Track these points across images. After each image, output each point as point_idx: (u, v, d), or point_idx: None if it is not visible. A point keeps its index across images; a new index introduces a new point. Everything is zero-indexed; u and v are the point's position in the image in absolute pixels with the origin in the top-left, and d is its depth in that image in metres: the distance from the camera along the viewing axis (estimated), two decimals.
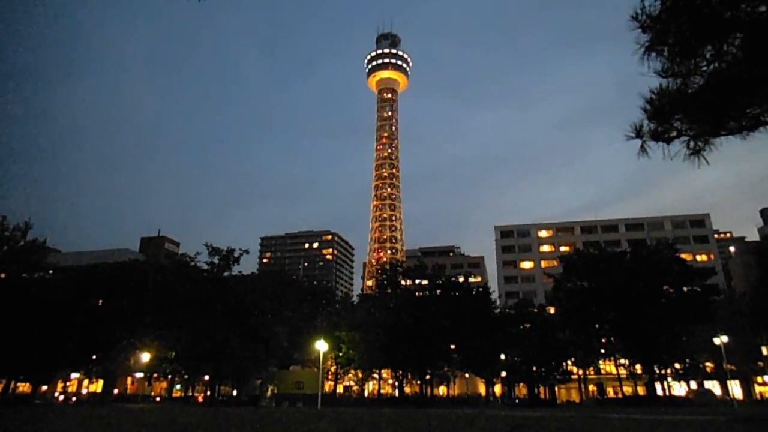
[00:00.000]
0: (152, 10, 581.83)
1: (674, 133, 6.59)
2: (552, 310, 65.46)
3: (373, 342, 56.76)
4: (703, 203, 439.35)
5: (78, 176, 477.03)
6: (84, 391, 73.42)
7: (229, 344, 48.62)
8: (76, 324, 47.25)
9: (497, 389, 76.54)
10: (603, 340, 59.69)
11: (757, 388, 70.19)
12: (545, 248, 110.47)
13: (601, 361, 67.46)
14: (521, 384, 71.67)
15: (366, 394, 77.19)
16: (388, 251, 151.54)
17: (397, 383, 69.29)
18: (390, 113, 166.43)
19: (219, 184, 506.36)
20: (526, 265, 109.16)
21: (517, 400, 64.00)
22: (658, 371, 55.52)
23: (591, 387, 74.23)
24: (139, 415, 25.03)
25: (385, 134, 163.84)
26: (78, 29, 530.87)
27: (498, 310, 67.18)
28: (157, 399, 68.34)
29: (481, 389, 78.39)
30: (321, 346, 45.08)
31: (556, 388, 70.10)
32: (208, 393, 63.68)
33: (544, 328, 60.17)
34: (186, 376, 66.29)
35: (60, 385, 74.21)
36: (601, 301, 51.75)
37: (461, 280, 64.09)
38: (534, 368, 61.98)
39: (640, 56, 6.23)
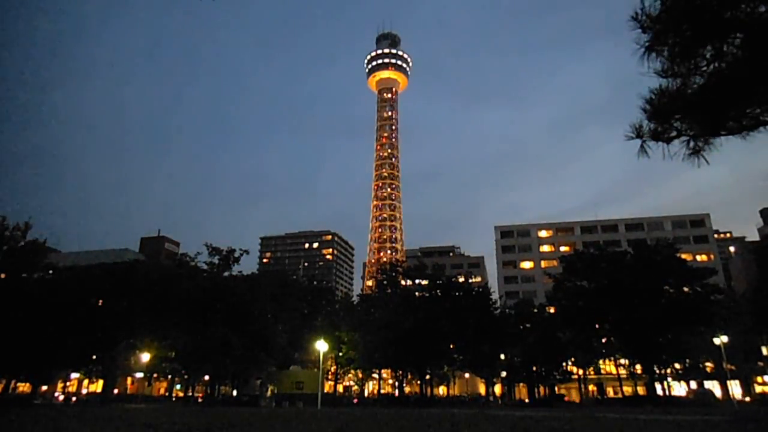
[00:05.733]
0: (153, 10, 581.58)
1: (674, 133, 6.58)
2: (552, 310, 65.40)
3: (373, 342, 56.71)
4: (703, 203, 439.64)
5: (78, 176, 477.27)
6: (84, 391, 73.28)
7: (229, 344, 48.58)
8: (76, 324, 47.21)
9: (497, 389, 76.50)
10: (603, 340, 59.65)
11: (757, 388, 70.15)
12: (545, 248, 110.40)
13: (601, 361, 67.40)
14: (521, 384, 71.63)
15: (366, 394, 77.13)
16: (388, 251, 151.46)
17: (397, 383, 69.24)
18: (390, 113, 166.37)
19: (219, 185, 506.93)
20: (526, 265, 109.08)
21: (519, 401, 64.06)
22: (658, 371, 55.47)
23: (591, 387, 74.19)
24: (139, 415, 25.01)
25: (385, 134, 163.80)
26: (81, 27, 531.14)
27: (498, 310, 67.13)
28: (157, 399, 68.29)
29: (481, 389, 78.34)
30: (321, 346, 45.08)
31: (556, 388, 70.06)
32: (208, 393, 63.65)
33: (544, 328, 60.07)
34: (186, 376, 66.22)
35: (60, 385, 74.10)
36: (601, 301, 51.68)
37: (461, 280, 64.02)
38: (534, 368, 61.93)
39: (640, 56, 6.23)
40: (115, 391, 67.97)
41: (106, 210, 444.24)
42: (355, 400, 65.90)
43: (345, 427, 16.69)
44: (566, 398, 66.37)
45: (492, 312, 63.31)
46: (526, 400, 65.95)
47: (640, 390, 63.72)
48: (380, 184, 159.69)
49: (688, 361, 60.21)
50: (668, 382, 61.83)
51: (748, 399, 62.87)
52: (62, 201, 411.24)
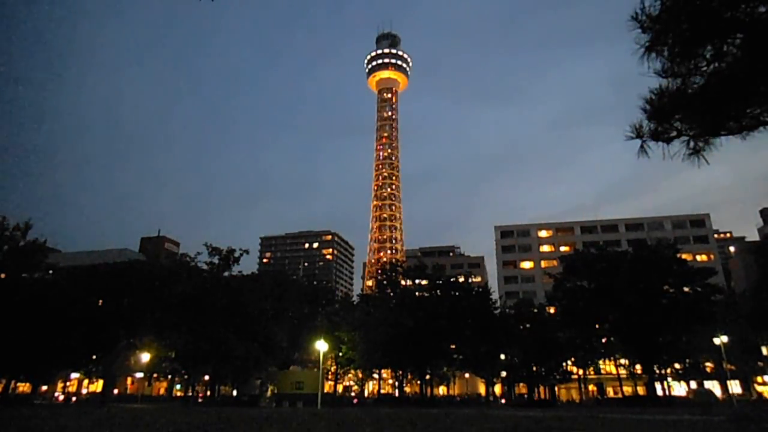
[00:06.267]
0: (153, 9, 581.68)
1: (674, 133, 6.57)
2: (552, 310, 65.38)
3: (373, 342, 56.69)
4: (703, 203, 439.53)
5: (78, 176, 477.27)
6: (84, 391, 73.31)
7: (229, 344, 48.61)
8: (75, 324, 47.24)
9: (497, 389, 76.49)
10: (603, 340, 59.65)
11: (757, 388, 70.16)
12: (545, 248, 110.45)
13: (601, 361, 67.42)
14: (521, 384, 71.64)
15: (366, 394, 77.16)
16: (388, 251, 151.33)
17: (397, 383, 69.26)
18: (390, 113, 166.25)
19: (219, 184, 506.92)
20: (526, 265, 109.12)
21: (518, 400, 63.97)
22: (658, 371, 55.48)
23: (591, 387, 74.21)
24: (139, 415, 25.01)
25: (385, 134, 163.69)
26: (81, 25, 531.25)
27: (498, 310, 67.11)
28: (157, 399, 68.26)
29: (481, 389, 78.34)
30: (321, 346, 45.09)
31: (556, 388, 70.08)
32: (208, 393, 63.65)
33: (544, 328, 60.10)
34: (186, 376, 66.22)
35: (60, 385, 74.14)
36: (601, 301, 51.70)
37: (461, 280, 64.00)
38: (534, 368, 61.94)
39: (640, 56, 6.23)
40: (115, 391, 67.93)
41: (106, 210, 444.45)
42: (355, 400, 65.90)
43: (345, 427, 16.69)
44: (540, 398, 65.84)
45: (492, 312, 63.30)
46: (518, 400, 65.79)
47: (640, 390, 63.73)
48: (380, 184, 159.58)
49: (688, 361, 60.18)
50: (668, 382, 61.82)
51: (729, 396, 62.71)
52: (62, 201, 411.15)
